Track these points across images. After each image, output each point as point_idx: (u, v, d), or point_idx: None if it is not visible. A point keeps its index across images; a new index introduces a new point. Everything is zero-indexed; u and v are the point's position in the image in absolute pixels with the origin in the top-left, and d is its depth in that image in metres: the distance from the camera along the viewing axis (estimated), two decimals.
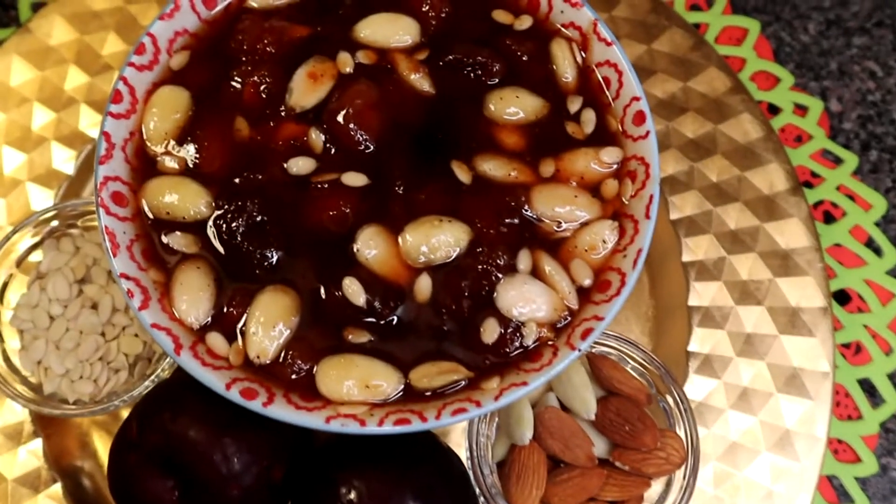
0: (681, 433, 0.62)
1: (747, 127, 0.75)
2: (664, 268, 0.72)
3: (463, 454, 0.62)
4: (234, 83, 0.57)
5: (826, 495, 0.71)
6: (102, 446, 0.65)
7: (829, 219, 0.79)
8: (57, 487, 0.63)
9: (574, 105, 0.58)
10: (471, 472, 0.60)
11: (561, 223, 0.55)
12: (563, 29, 0.60)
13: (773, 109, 0.82)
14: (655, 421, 0.61)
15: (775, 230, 0.72)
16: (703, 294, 0.71)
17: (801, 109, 0.82)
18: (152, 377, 0.60)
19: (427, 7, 0.60)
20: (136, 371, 0.62)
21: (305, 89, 0.57)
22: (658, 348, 0.70)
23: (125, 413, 0.62)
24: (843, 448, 0.72)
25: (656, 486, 0.61)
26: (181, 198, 0.54)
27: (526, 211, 0.55)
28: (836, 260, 0.77)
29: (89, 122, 0.73)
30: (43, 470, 0.63)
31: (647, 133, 0.56)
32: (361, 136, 0.56)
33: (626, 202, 0.56)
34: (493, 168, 0.56)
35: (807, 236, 0.72)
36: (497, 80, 0.58)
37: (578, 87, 0.59)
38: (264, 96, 0.57)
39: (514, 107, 0.58)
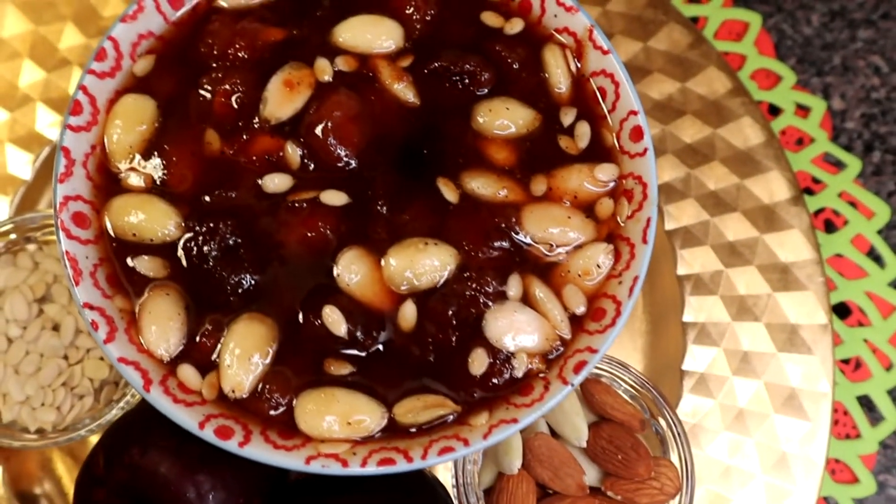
0: (675, 459, 0.62)
1: (748, 131, 0.74)
2: (658, 281, 0.72)
3: (448, 481, 0.62)
4: (203, 92, 0.56)
5: None
6: (66, 471, 0.65)
7: (830, 227, 0.79)
8: None
9: (567, 118, 0.58)
10: (456, 501, 0.60)
11: (553, 246, 0.55)
12: (556, 34, 0.59)
13: (774, 110, 0.82)
14: (649, 448, 0.61)
15: (775, 242, 0.72)
16: (698, 309, 0.71)
17: (802, 110, 0.82)
18: (120, 403, 0.59)
19: (411, 9, 0.58)
20: (101, 396, 0.61)
21: (281, 99, 0.55)
22: (651, 366, 0.70)
23: (93, 439, 0.61)
24: (840, 468, 0.73)
25: None
26: (148, 218, 0.53)
27: (516, 233, 0.54)
28: (836, 271, 0.77)
29: (47, 123, 0.71)
30: (2, 501, 0.62)
31: (645, 150, 0.55)
32: (341, 151, 0.54)
33: (622, 223, 0.55)
34: (482, 186, 0.55)
35: (807, 249, 0.72)
36: (486, 90, 0.57)
37: (572, 98, 0.58)
38: (236, 106, 0.55)
39: (504, 119, 0.57)
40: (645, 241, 0.54)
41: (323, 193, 0.53)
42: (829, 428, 0.68)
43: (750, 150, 0.74)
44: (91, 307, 0.50)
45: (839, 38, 0.88)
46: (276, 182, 0.54)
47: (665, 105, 0.75)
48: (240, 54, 0.57)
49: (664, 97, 0.75)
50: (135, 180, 0.54)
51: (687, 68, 0.75)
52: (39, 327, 0.60)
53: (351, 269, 0.52)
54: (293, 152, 0.54)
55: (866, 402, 0.75)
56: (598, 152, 0.57)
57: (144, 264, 0.53)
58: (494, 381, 0.52)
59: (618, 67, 0.57)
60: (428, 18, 0.59)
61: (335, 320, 0.51)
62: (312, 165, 0.55)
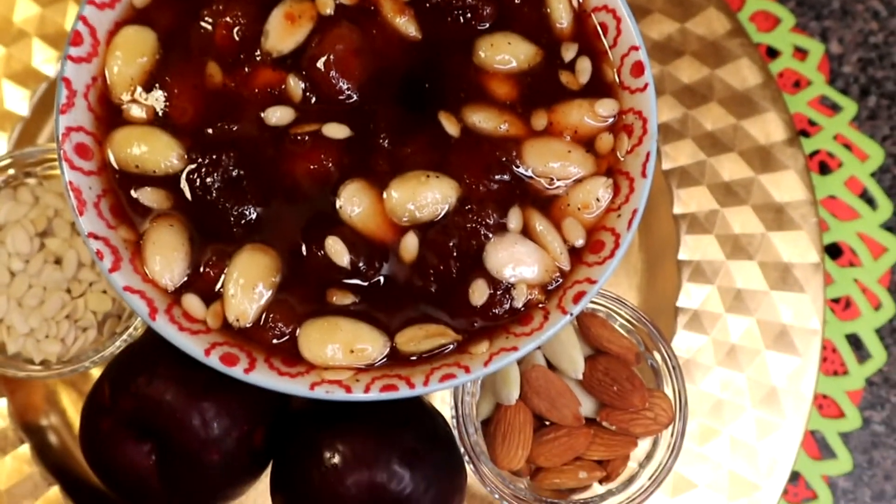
0: (669, 392, 0.64)
1: (745, 73, 0.75)
2: (655, 219, 0.73)
3: (447, 412, 0.63)
4: (204, 24, 0.56)
5: (808, 450, 0.74)
6: (70, 403, 0.66)
7: (824, 169, 0.80)
8: (25, 448, 0.64)
9: (569, 53, 0.58)
10: (455, 432, 0.62)
11: (553, 179, 0.56)
12: None
13: (773, 52, 0.82)
14: (644, 380, 0.63)
15: (770, 182, 0.73)
16: (694, 248, 0.72)
17: (800, 53, 0.82)
18: (123, 336, 0.60)
19: None
20: (105, 329, 0.62)
21: (282, 32, 0.56)
22: (646, 303, 0.72)
23: (95, 372, 0.62)
24: (827, 403, 0.75)
25: (643, 445, 0.64)
26: (151, 150, 0.54)
27: (517, 166, 0.55)
28: (829, 212, 0.79)
29: (43, 59, 0.71)
30: (9, 430, 0.64)
31: (646, 86, 0.56)
32: (343, 84, 0.55)
33: (622, 158, 0.56)
34: (483, 120, 0.56)
35: (802, 189, 0.73)
36: (487, 25, 0.58)
37: (574, 33, 0.59)
38: (238, 39, 0.56)
39: (505, 54, 0.57)
40: (644, 175, 0.55)
41: (325, 126, 0.54)
42: (818, 364, 0.70)
43: (747, 91, 0.75)
44: (95, 237, 0.51)
45: None
46: (278, 115, 0.54)
47: (664, 45, 0.75)
48: None
49: (663, 37, 0.75)
50: (136, 112, 0.55)
51: (687, 8, 0.76)
52: (42, 261, 0.61)
53: (353, 202, 0.53)
54: (295, 85, 0.55)
55: (854, 341, 0.77)
56: (598, 88, 0.58)
57: (148, 196, 0.54)
58: (494, 310, 0.54)
59: (619, 3, 0.57)
60: None
61: (338, 251, 0.52)
62: (314, 98, 0.55)
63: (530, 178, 0.55)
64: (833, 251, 0.79)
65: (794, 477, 0.73)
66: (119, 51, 0.55)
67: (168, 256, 0.52)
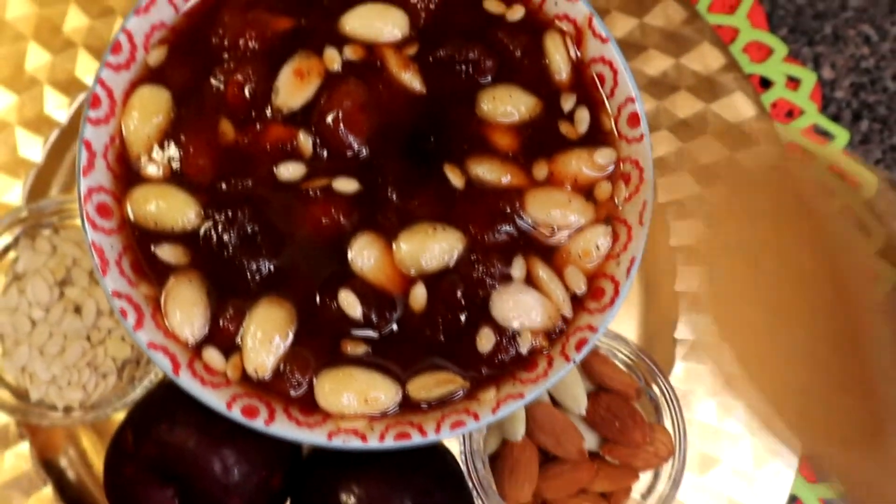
0: (668, 425, 0.67)
1: (739, 106, 0.78)
2: (651, 252, 0.75)
3: (456, 447, 0.67)
4: (216, 82, 0.59)
5: (805, 474, 0.77)
6: (90, 445, 0.69)
7: None
8: (48, 490, 0.67)
9: (568, 103, 0.61)
10: (464, 467, 0.65)
11: (554, 229, 0.59)
12: (556, 21, 0.62)
13: (766, 83, 0.85)
14: (644, 415, 0.66)
15: None
16: (691, 279, 0.76)
17: (793, 82, 0.85)
18: (144, 382, 0.63)
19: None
20: (124, 375, 0.65)
21: (292, 89, 0.59)
22: (645, 334, 0.75)
23: (117, 416, 0.65)
24: None
25: (645, 477, 0.67)
26: (168, 207, 0.57)
27: (520, 216, 0.58)
28: None
29: (55, 105, 0.74)
30: (32, 473, 0.67)
31: (642, 136, 0.59)
32: (352, 139, 0.58)
33: (620, 206, 0.59)
34: (487, 172, 0.59)
35: None
36: (489, 78, 0.61)
37: (572, 84, 0.62)
38: (249, 97, 0.59)
39: (507, 106, 0.60)
40: (641, 223, 0.58)
41: (335, 181, 0.57)
42: None
43: (741, 123, 0.78)
44: (119, 295, 0.54)
45: (831, 6, 0.92)
46: (290, 170, 0.57)
47: (660, 81, 0.78)
48: (250, 44, 0.60)
49: (659, 73, 0.78)
50: (153, 170, 0.58)
51: (681, 44, 0.79)
52: (62, 310, 0.64)
53: (364, 254, 0.56)
54: (305, 141, 0.58)
55: None
56: (596, 136, 0.61)
57: (167, 252, 0.56)
58: (501, 358, 0.57)
59: (616, 55, 0.60)
60: (432, 7, 0.61)
61: (350, 303, 0.55)
62: (325, 153, 0.58)
63: (533, 228, 0.58)
64: None
65: (792, 501, 0.76)
66: (135, 111, 0.58)
67: (188, 312, 0.55)
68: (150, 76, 0.59)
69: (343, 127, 0.58)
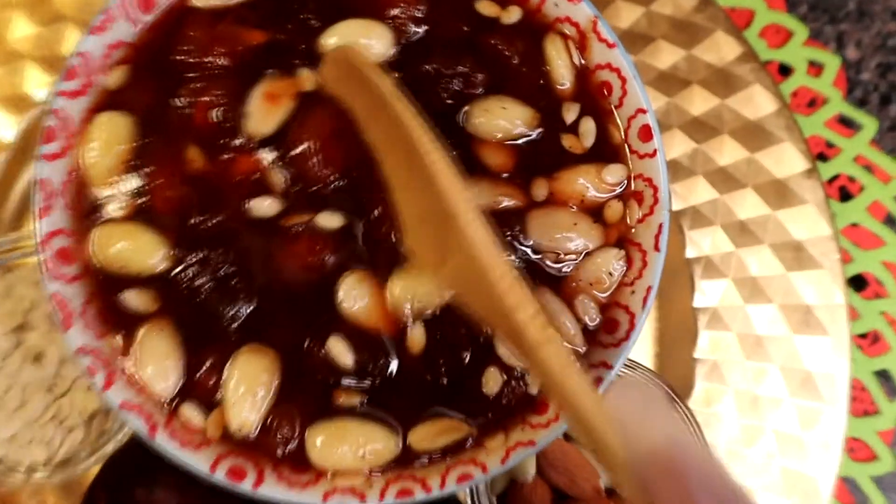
0: None
1: (758, 100, 0.78)
2: (666, 264, 0.76)
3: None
4: (182, 104, 0.58)
5: (841, 498, 0.78)
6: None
7: (845, 195, 0.84)
8: None
9: (570, 114, 0.60)
10: None
11: (560, 254, 0.58)
12: (557, 24, 0.62)
13: (785, 70, 0.85)
14: None
15: (788, 218, 0.76)
16: (710, 293, 0.76)
17: (815, 67, 0.85)
18: (117, 436, 0.63)
19: (399, 9, 0.60)
20: (93, 428, 0.65)
21: (263, 114, 0.58)
22: (661, 355, 0.75)
23: (86, 474, 0.65)
24: (858, 446, 0.79)
25: None
26: (135, 248, 0.56)
27: (521, 243, 0.58)
28: (852, 242, 0.82)
29: (2, 125, 0.73)
30: None
31: (655, 151, 0.58)
32: (328, 171, 0.57)
33: (633, 227, 0.59)
34: (479, 195, 0.58)
35: (822, 224, 0.76)
36: (481, 90, 0.60)
37: (576, 92, 0.61)
38: (218, 120, 0.58)
39: (500, 120, 0.59)
40: (657, 248, 0.58)
41: (318, 216, 0.56)
42: (847, 408, 0.74)
43: (760, 120, 0.78)
44: (85, 351, 0.54)
45: None
46: (265, 205, 0.56)
47: (670, 75, 0.78)
48: (219, 61, 0.59)
49: (669, 67, 0.78)
50: (116, 207, 0.57)
51: (693, 34, 0.78)
52: (20, 359, 0.63)
53: (353, 295, 0.56)
54: (278, 174, 0.57)
55: (884, 377, 0.81)
56: (604, 151, 0.60)
57: (134, 299, 0.56)
58: (509, 399, 0.57)
59: (624, 62, 0.59)
60: (419, 15, 0.61)
61: (341, 351, 0.55)
62: (299, 186, 0.57)
63: (537, 254, 0.58)
64: (858, 283, 0.82)
65: None
66: (95, 141, 0.57)
67: (160, 365, 0.55)
68: (110, 101, 0.58)
69: (316, 158, 0.57)
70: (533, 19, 0.62)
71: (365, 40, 0.59)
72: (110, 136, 0.57)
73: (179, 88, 0.58)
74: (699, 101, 0.78)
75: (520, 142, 0.59)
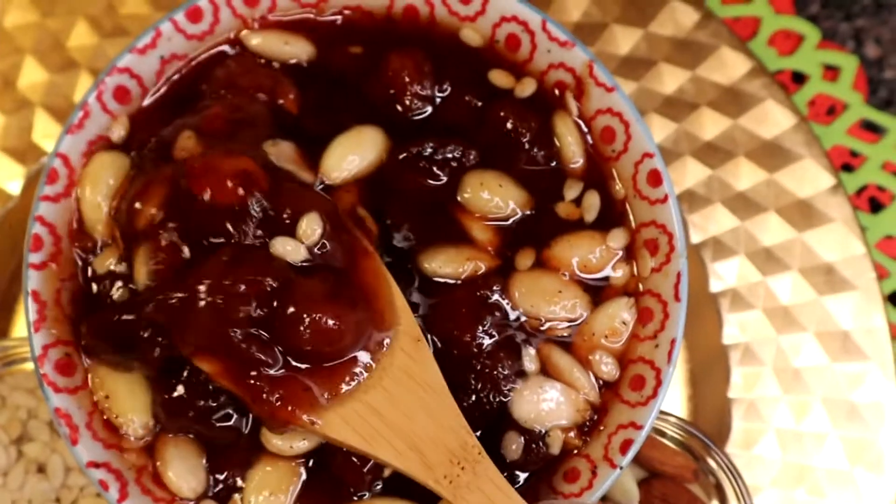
0: (733, 503, 0.73)
1: (772, 116, 0.83)
2: (690, 303, 0.81)
3: None
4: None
5: None
6: None
7: (875, 207, 0.89)
8: None
9: (573, 191, 0.66)
10: None
11: (542, 321, 0.64)
12: (551, 70, 0.67)
13: (799, 78, 0.91)
14: (705, 498, 0.72)
15: (816, 240, 0.82)
16: (739, 327, 0.81)
17: (831, 71, 0.91)
18: None
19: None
20: None
21: None
22: (694, 398, 0.81)
23: None
24: None
25: None
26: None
27: (507, 305, 0.63)
28: (887, 255, 0.87)
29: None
30: None
31: (666, 197, 0.64)
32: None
33: (646, 276, 0.65)
34: (443, 265, 0.63)
35: (852, 242, 0.82)
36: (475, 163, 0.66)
37: (587, 170, 0.67)
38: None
39: (496, 198, 0.65)
40: (678, 298, 0.63)
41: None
42: None
43: (777, 138, 0.83)
44: (96, 465, 0.59)
45: None
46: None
47: (676, 99, 0.83)
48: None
49: (674, 90, 0.83)
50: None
51: (696, 53, 0.84)
52: (23, 472, 0.69)
53: None
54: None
55: None
56: (607, 216, 0.66)
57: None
58: (533, 464, 0.62)
59: (625, 105, 0.65)
60: (427, 93, 0.67)
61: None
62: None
63: (523, 318, 0.64)
64: None
65: None
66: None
67: (184, 468, 0.61)
68: None
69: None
70: (544, 93, 0.68)
71: (355, 157, 0.64)
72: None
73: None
74: (710, 124, 0.83)
75: (509, 222, 0.65)
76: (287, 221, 0.58)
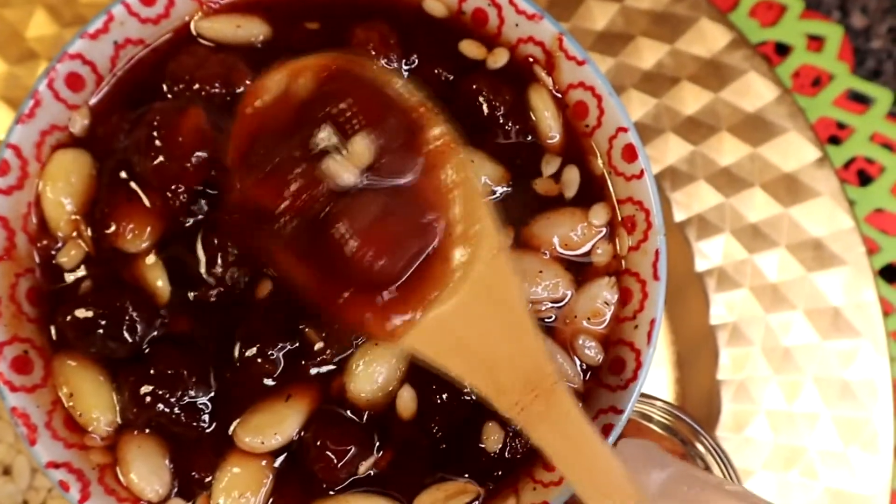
0: None
1: (755, 89, 0.81)
2: (675, 283, 0.79)
3: None
4: None
5: None
6: None
7: (864, 179, 0.87)
8: None
9: (550, 167, 0.64)
10: None
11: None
12: (520, 45, 0.65)
13: (783, 49, 0.88)
14: None
15: (803, 215, 0.80)
16: (727, 307, 0.79)
17: (816, 41, 0.88)
18: None
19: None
20: None
21: None
22: (682, 381, 0.79)
23: None
24: None
25: None
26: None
27: None
28: (878, 229, 0.85)
29: None
30: None
31: (642, 172, 0.62)
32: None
33: (624, 255, 0.63)
34: None
35: (840, 216, 0.80)
36: None
37: (564, 145, 0.65)
38: None
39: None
40: (656, 277, 0.61)
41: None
42: (893, 414, 0.78)
43: (760, 111, 0.81)
44: (56, 465, 0.57)
45: None
46: None
47: (655, 74, 0.81)
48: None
49: (653, 65, 0.81)
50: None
51: (675, 26, 0.82)
52: None
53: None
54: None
55: None
56: (587, 193, 0.64)
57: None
58: (513, 454, 0.60)
59: (597, 79, 0.63)
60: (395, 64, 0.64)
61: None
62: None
63: None
64: (889, 274, 0.86)
65: None
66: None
67: (149, 468, 0.59)
68: None
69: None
70: (517, 64, 0.65)
71: None
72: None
73: None
74: (691, 99, 0.81)
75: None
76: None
